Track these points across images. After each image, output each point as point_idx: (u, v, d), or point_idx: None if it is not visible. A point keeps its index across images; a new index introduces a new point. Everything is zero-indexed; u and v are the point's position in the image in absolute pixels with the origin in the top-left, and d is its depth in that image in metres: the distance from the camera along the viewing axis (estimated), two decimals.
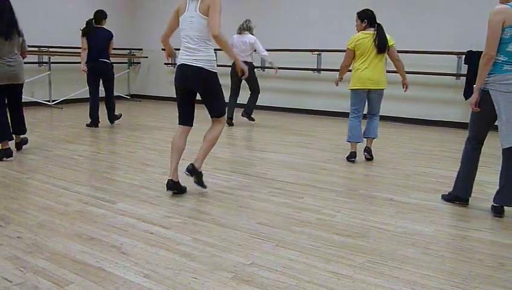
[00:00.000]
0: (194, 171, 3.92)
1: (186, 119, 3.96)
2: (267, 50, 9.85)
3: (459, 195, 3.77)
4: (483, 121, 3.55)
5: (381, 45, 5.08)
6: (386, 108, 8.11)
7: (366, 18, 5.17)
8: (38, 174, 4.51)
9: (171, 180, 3.89)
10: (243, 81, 7.67)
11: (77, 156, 5.33)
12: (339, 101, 9.21)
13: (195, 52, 3.72)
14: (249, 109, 8.03)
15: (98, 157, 5.30)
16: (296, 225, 3.28)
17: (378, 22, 5.18)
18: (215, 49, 3.86)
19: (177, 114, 3.99)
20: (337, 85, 5.58)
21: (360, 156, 5.39)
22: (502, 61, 3.28)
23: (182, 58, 3.79)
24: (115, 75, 7.68)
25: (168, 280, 2.42)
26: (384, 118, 7.25)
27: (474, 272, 2.60)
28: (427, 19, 8.20)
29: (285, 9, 9.77)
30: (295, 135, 7.07)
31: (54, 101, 9.99)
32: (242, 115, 7.99)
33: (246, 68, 4.05)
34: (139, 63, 12.35)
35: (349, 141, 5.36)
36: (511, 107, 3.30)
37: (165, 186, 3.91)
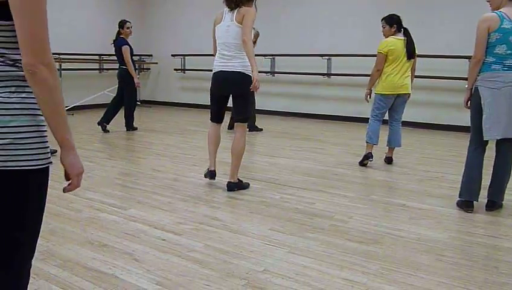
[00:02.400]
0: (235, 186, 4.21)
1: (216, 117, 4.33)
2: (276, 55, 9.91)
3: (464, 199, 3.80)
4: (480, 119, 3.64)
5: (411, 52, 5.12)
6: None
7: (395, 23, 5.17)
8: (49, 180, 4.52)
9: (213, 171, 4.32)
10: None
11: (88, 162, 5.34)
12: (349, 106, 9.19)
13: (231, 59, 4.02)
14: (250, 124, 7.93)
15: (108, 164, 5.31)
16: (309, 231, 3.25)
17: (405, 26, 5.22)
18: None
19: (210, 112, 4.36)
20: (368, 101, 5.47)
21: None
22: (491, 61, 3.59)
23: (218, 66, 4.11)
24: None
25: (180, 287, 2.41)
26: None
27: (490, 279, 2.56)
28: (436, 23, 8.17)
29: (294, 14, 9.77)
30: (305, 140, 7.04)
31: (65, 107, 10.03)
32: (250, 131, 7.95)
33: (256, 81, 4.03)
34: (149, 69, 12.41)
35: (368, 142, 5.32)
36: (494, 103, 3.55)
37: (205, 176, 4.40)
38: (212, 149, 4.33)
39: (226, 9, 4.05)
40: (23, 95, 1.25)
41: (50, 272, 2.56)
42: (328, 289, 2.41)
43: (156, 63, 12.13)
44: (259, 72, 9.86)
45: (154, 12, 11.99)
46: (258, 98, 7.86)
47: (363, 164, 5.30)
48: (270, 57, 10.02)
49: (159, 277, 2.51)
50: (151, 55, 12.22)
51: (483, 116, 3.59)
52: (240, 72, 4.00)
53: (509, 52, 3.52)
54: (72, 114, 9.74)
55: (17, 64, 1.24)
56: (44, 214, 1.46)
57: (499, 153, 3.74)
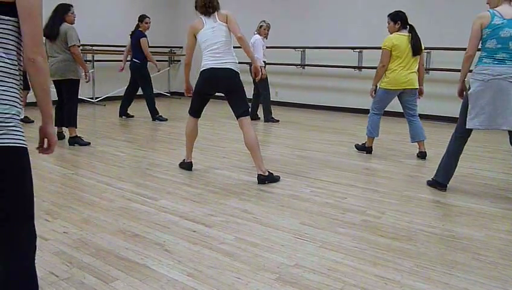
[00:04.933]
0: (265, 179, 4.21)
1: (198, 112, 4.55)
2: (307, 48, 9.81)
3: (440, 181, 4.11)
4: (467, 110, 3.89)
5: (417, 48, 5.16)
6: (425, 107, 7.92)
7: (399, 20, 5.23)
8: (82, 170, 4.60)
9: (190, 162, 4.68)
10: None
11: (119, 152, 5.40)
12: None
13: (223, 56, 4.21)
14: (266, 115, 7.95)
15: (139, 154, 5.36)
16: (340, 226, 3.21)
17: (410, 23, 5.25)
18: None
19: (192, 108, 4.53)
20: (372, 96, 5.46)
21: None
22: (483, 55, 3.81)
23: (209, 64, 4.25)
24: (156, 73, 7.91)
25: (211, 279, 2.40)
26: (424, 117, 7.06)
27: None
28: (468, 16, 7.94)
29: (325, 6, 9.64)
30: (336, 134, 6.97)
31: (97, 98, 10.19)
32: (265, 121, 7.96)
33: (259, 70, 4.34)
34: (179, 60, 12.46)
35: (369, 136, 5.54)
36: (479, 94, 3.76)
37: (180, 165, 4.75)
38: (189, 143, 4.61)
39: (203, 16, 4.27)
40: (4, 88, 1.51)
41: (84, 260, 2.59)
42: (361, 286, 2.37)
43: None
44: (289, 64, 9.87)
45: (185, 3, 12.01)
46: (288, 91, 7.84)
47: (368, 152, 5.54)
48: (301, 50, 9.93)
49: (190, 269, 2.52)
50: (181, 47, 12.26)
51: (469, 107, 3.83)
52: (230, 68, 4.19)
53: (499, 46, 3.71)
54: (104, 105, 9.88)
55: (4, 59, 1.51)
56: (77, 202, 1.51)
57: None
